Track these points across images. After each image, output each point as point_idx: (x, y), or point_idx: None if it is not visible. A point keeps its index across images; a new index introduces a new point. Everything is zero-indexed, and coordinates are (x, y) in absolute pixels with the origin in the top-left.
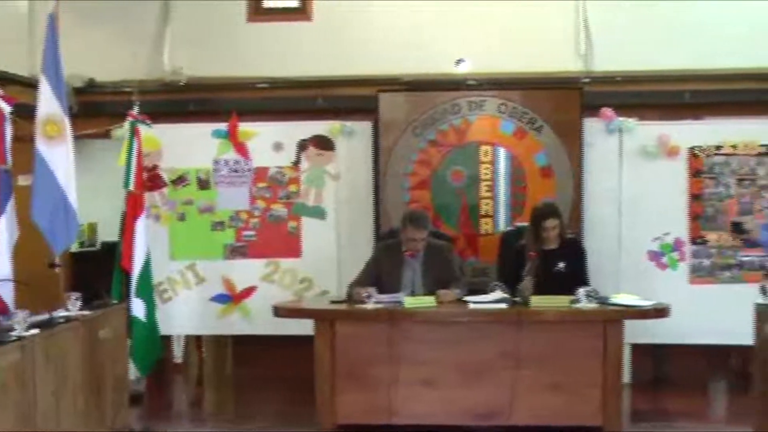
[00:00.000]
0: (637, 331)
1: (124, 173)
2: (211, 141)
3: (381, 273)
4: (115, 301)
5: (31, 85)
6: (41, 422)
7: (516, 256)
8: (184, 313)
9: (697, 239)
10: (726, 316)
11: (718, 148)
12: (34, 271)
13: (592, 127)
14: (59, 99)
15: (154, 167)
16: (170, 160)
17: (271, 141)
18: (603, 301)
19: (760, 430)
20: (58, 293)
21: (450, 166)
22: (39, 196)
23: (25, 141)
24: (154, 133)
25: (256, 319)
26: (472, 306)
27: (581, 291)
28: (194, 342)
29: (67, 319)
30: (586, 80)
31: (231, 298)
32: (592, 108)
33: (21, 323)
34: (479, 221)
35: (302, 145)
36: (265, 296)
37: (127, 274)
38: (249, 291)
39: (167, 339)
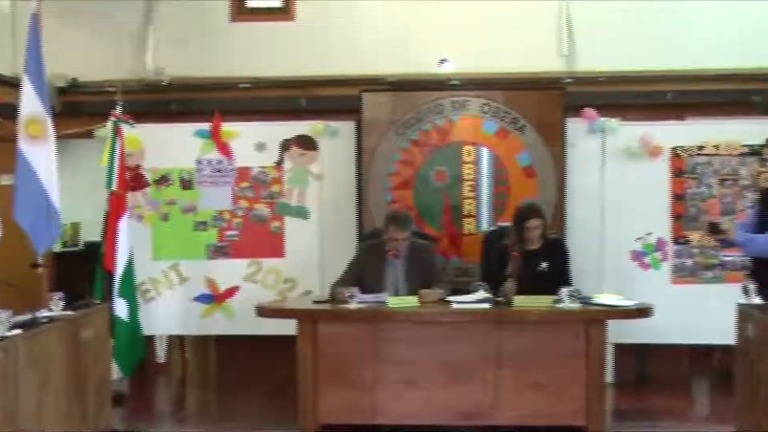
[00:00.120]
0: (620, 331)
1: (106, 173)
2: (194, 141)
3: (364, 273)
4: (97, 301)
5: (14, 84)
6: (24, 422)
7: (499, 256)
8: (167, 313)
9: (679, 239)
10: (708, 315)
11: (701, 148)
12: (17, 271)
13: (574, 127)
14: (42, 99)
15: (137, 167)
16: (153, 160)
17: (254, 141)
18: (586, 301)
19: (741, 429)
20: (40, 293)
21: (433, 166)
22: (22, 196)
23: (7, 141)
24: (137, 133)
25: (239, 319)
26: (455, 306)
27: (564, 291)
28: (177, 342)
29: (50, 320)
30: (569, 80)
31: (214, 298)
32: (574, 108)
33: (3, 323)
34: (462, 221)
35: (285, 145)
36: (248, 296)
37: (109, 274)
38: (232, 291)
39: (150, 339)
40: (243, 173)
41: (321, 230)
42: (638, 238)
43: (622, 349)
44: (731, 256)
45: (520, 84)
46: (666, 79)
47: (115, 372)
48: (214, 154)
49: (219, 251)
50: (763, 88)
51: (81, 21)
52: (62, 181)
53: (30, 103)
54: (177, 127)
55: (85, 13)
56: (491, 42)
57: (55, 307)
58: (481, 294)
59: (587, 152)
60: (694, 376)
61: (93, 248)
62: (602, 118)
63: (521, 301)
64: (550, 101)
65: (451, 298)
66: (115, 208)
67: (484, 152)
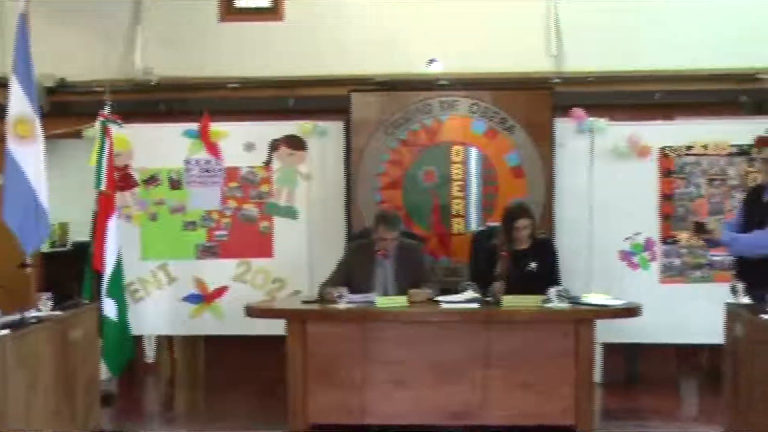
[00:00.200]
0: (609, 331)
1: (95, 173)
2: (183, 141)
3: (353, 273)
4: (86, 302)
5: (2, 85)
6: (12, 422)
7: (488, 256)
8: (156, 313)
9: (667, 239)
10: (696, 315)
11: (689, 148)
12: (5, 271)
13: (563, 127)
14: (30, 99)
15: (126, 167)
16: (141, 160)
17: (242, 141)
18: (574, 300)
19: (730, 428)
20: (29, 293)
21: (422, 166)
22: (10, 197)
23: None
24: (126, 133)
25: (228, 319)
26: (443, 306)
27: (553, 291)
28: (166, 342)
29: (39, 320)
30: (558, 81)
31: (203, 298)
32: (563, 108)
33: None
34: (451, 221)
35: (274, 145)
36: (237, 296)
37: (98, 274)
38: (221, 291)
39: (139, 339)
40: (232, 173)
41: (310, 230)
42: (627, 238)
43: (610, 348)
44: (719, 255)
45: (508, 84)
46: (654, 79)
47: (104, 372)
48: (203, 154)
49: (208, 251)
50: (752, 88)
51: (69, 21)
52: (51, 181)
53: (18, 103)
54: (165, 127)
55: (74, 13)
56: (480, 42)
57: (44, 307)
58: (470, 294)
59: (576, 152)
60: (683, 375)
61: (81, 248)
62: (590, 118)
63: (510, 301)
64: (538, 101)
65: (440, 298)
66: (104, 208)
67: (473, 152)
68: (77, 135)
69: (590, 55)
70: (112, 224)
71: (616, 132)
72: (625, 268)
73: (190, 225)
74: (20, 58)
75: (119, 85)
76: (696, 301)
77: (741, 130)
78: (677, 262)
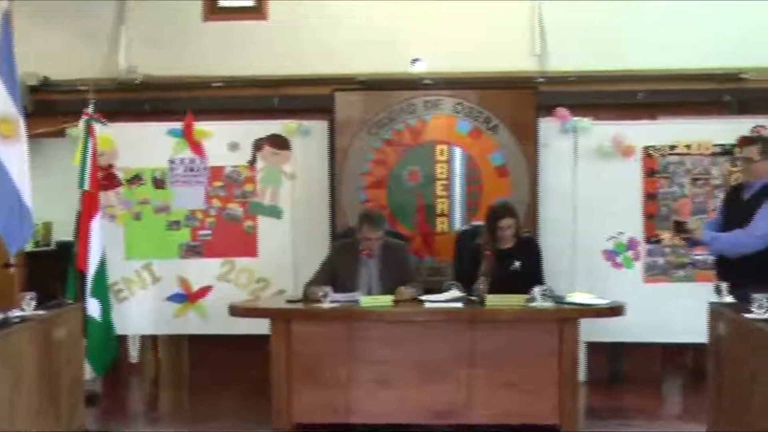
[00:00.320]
0: (593, 330)
1: (79, 172)
2: (167, 140)
3: (337, 272)
4: (70, 301)
5: None
6: None
7: (472, 255)
8: (140, 313)
9: (651, 238)
10: (680, 314)
11: (673, 147)
12: None
13: (547, 126)
14: (13, 98)
15: (110, 166)
16: (125, 159)
17: (226, 140)
18: (558, 300)
19: (713, 427)
20: (12, 293)
21: (406, 166)
22: None
23: None
24: (110, 132)
25: (212, 319)
26: (428, 305)
27: (536, 290)
28: (150, 342)
29: (22, 319)
30: (542, 80)
31: (187, 297)
32: (547, 108)
33: None
34: (435, 220)
35: (258, 145)
36: (221, 296)
37: (82, 274)
38: (205, 290)
39: (123, 339)
40: (216, 172)
41: (294, 230)
42: (610, 238)
43: (594, 347)
44: (703, 255)
45: (492, 83)
46: (638, 79)
47: (88, 372)
48: (187, 154)
49: (192, 251)
50: (735, 88)
51: (53, 20)
52: (34, 181)
53: (2, 103)
54: (150, 126)
55: (57, 11)
56: (464, 42)
57: (27, 307)
58: (454, 293)
59: (560, 152)
60: (667, 374)
61: (65, 248)
62: (574, 118)
63: (494, 300)
64: (522, 101)
65: (424, 298)
66: (88, 207)
67: (457, 152)
68: (61, 134)
69: (574, 54)
70: (96, 224)
71: (600, 131)
72: (609, 268)
73: (174, 224)
74: (3, 57)
75: (103, 84)
76: (679, 300)
77: (724, 130)
78: (661, 261)
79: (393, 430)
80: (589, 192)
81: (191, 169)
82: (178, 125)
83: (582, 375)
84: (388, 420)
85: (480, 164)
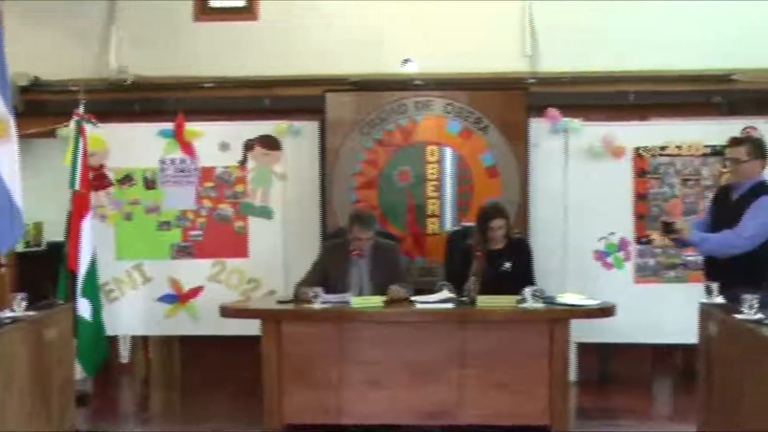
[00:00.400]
0: (583, 330)
1: (69, 173)
2: (158, 140)
3: (328, 273)
4: (61, 302)
5: None
6: None
7: (463, 255)
8: (131, 313)
9: (642, 239)
10: (671, 315)
11: (663, 148)
12: None
13: (537, 127)
14: (4, 98)
15: (100, 167)
16: (116, 159)
17: (217, 141)
18: (549, 300)
19: (703, 427)
20: (3, 294)
21: (397, 166)
22: None
23: None
24: (100, 133)
25: (203, 319)
26: (418, 306)
27: (527, 290)
28: (141, 342)
29: (13, 320)
30: (532, 81)
31: (178, 298)
32: (537, 108)
33: None
34: (426, 221)
35: (249, 145)
36: (212, 296)
37: (73, 274)
38: (196, 291)
39: (114, 339)
40: (206, 173)
41: (285, 230)
42: (601, 238)
43: (585, 348)
44: (694, 255)
45: (483, 84)
46: (629, 80)
47: (79, 372)
48: (178, 154)
49: (183, 251)
50: (726, 89)
51: (43, 20)
52: (25, 181)
53: None
54: (140, 126)
55: (48, 12)
56: (454, 42)
57: (18, 307)
58: (445, 294)
59: (550, 152)
60: (657, 375)
61: (56, 248)
62: (565, 119)
63: (485, 301)
64: (513, 101)
65: (415, 298)
66: (78, 207)
67: (448, 152)
68: (51, 134)
69: (565, 55)
70: (87, 224)
71: (590, 132)
72: (600, 268)
73: (164, 225)
74: None
75: (94, 85)
76: (670, 300)
77: (715, 131)
78: (651, 262)
79: (384, 431)
80: (580, 192)
81: (182, 170)
82: (169, 125)
83: (572, 375)
84: (379, 420)
85: (471, 165)
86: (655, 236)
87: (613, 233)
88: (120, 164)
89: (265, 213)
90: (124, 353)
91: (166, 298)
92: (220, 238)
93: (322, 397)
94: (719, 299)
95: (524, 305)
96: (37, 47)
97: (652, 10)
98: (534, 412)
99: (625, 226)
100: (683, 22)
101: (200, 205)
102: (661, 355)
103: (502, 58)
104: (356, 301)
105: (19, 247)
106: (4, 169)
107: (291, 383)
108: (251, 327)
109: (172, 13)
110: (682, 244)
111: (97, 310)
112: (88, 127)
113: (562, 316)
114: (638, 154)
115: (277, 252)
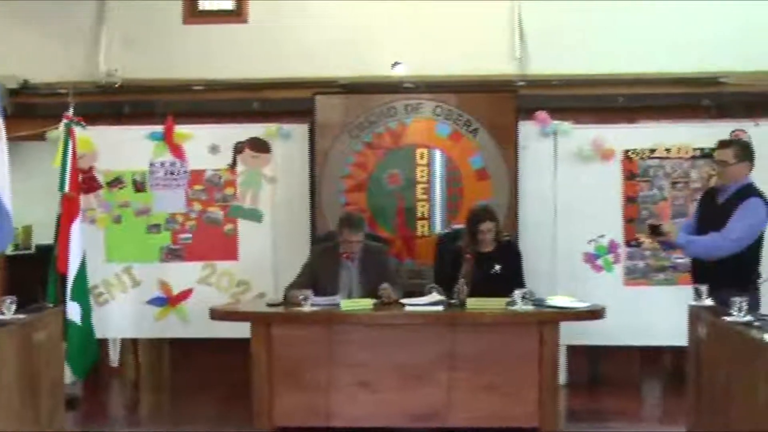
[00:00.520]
0: (573, 333)
1: (59, 175)
2: (147, 143)
3: (318, 275)
4: (50, 305)
5: None
6: None
7: (452, 258)
8: (120, 316)
9: (631, 241)
10: (660, 317)
11: (652, 151)
12: None
13: (527, 130)
14: None
15: (90, 169)
16: (106, 162)
17: (207, 143)
18: (538, 303)
19: (693, 429)
20: None
21: (386, 169)
22: None
23: None
24: (90, 135)
25: (193, 322)
26: (408, 308)
27: (517, 293)
28: (130, 345)
29: (2, 323)
30: (522, 83)
31: (167, 300)
32: (527, 111)
33: None
34: (415, 223)
35: (238, 148)
36: (202, 299)
37: (62, 277)
38: (185, 294)
39: (103, 342)
40: (196, 176)
41: (274, 233)
42: (590, 241)
43: (574, 350)
44: (683, 258)
45: (472, 87)
46: (618, 83)
47: (68, 375)
48: (167, 157)
49: (172, 254)
50: (714, 92)
51: (32, 22)
52: (14, 184)
53: None
54: (130, 129)
55: (37, 13)
56: (444, 45)
57: (7, 310)
58: (435, 296)
59: (540, 155)
60: (646, 377)
61: (45, 251)
62: (554, 121)
63: (474, 303)
64: (502, 104)
65: (405, 301)
66: (68, 210)
67: (437, 155)
68: (41, 137)
69: (554, 58)
70: (76, 227)
71: (579, 135)
72: (589, 271)
73: (154, 228)
74: None
75: (83, 87)
76: (659, 303)
77: (704, 134)
78: (641, 264)
79: None
80: (569, 195)
81: (171, 172)
82: (158, 128)
83: (562, 378)
84: (369, 423)
85: (460, 167)
86: (645, 239)
87: (602, 236)
88: (109, 167)
89: (255, 216)
90: (114, 356)
91: (155, 301)
92: (210, 241)
93: (311, 400)
94: (708, 302)
95: (514, 308)
96: (26, 50)
97: (641, 14)
98: (523, 414)
99: (614, 229)
100: (672, 25)
101: (190, 208)
102: (651, 357)
103: (491, 61)
104: (346, 304)
105: (9, 250)
106: None
107: (281, 386)
108: (241, 330)
109: (162, 16)
110: (670, 246)
111: (86, 313)
112: (77, 130)
113: (551, 318)
114: (627, 157)
115: (267, 255)
